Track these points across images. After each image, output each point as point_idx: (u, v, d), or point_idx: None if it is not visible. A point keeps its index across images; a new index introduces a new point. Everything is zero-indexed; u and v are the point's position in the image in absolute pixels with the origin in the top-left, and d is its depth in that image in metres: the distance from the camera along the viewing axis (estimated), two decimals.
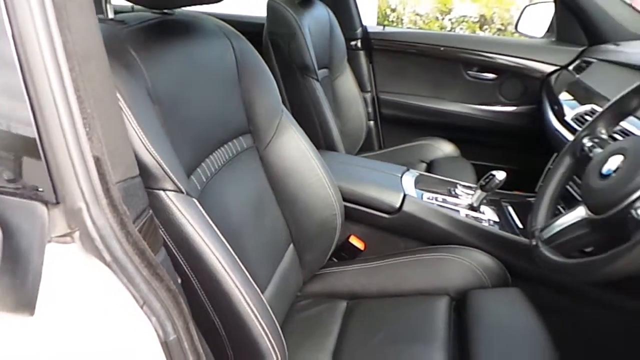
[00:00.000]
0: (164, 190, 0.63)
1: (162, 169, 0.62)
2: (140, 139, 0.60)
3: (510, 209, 1.36)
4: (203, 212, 0.68)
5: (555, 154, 1.44)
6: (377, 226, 1.27)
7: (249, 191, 0.99)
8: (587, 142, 0.90)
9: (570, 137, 1.29)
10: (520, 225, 1.28)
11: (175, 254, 0.63)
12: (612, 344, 1.16)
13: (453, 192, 1.35)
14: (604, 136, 0.90)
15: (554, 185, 0.93)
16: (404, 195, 1.25)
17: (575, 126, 1.29)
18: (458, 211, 1.25)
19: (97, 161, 0.41)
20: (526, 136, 1.86)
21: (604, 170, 0.77)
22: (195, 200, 0.68)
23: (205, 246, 0.65)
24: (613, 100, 0.90)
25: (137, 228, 0.46)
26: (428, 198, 1.29)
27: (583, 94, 1.44)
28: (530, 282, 1.13)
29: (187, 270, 0.65)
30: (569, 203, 1.17)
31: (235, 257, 0.69)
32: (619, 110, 0.89)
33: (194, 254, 0.64)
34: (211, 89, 0.90)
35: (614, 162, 0.76)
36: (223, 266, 0.66)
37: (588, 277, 0.69)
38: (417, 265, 1.16)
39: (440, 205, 1.26)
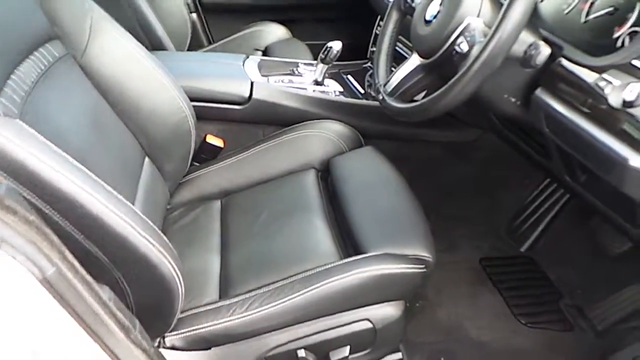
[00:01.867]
0: None
1: None
2: None
3: (350, 77, 1.44)
4: (34, 132, 0.57)
5: (379, 16, 1.53)
6: (232, 120, 1.24)
7: (79, 108, 0.85)
8: None
9: None
10: (362, 90, 1.37)
11: (17, 189, 0.53)
12: (439, 171, 1.40)
13: (296, 72, 1.36)
14: None
15: (387, 42, 0.99)
16: (252, 83, 1.22)
17: None
18: (305, 88, 1.28)
19: None
20: (351, 7, 1.92)
21: (427, 16, 0.84)
22: (19, 121, 0.56)
23: (52, 171, 0.55)
24: None
25: None
26: (275, 81, 1.28)
27: None
28: (379, 139, 1.26)
29: (39, 204, 0.55)
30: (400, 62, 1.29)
31: (91, 174, 0.61)
32: None
33: (42, 183, 0.55)
34: None
35: (434, 8, 0.84)
36: (82, 187, 0.58)
37: (429, 114, 0.79)
38: (279, 148, 1.19)
39: (288, 86, 1.26)
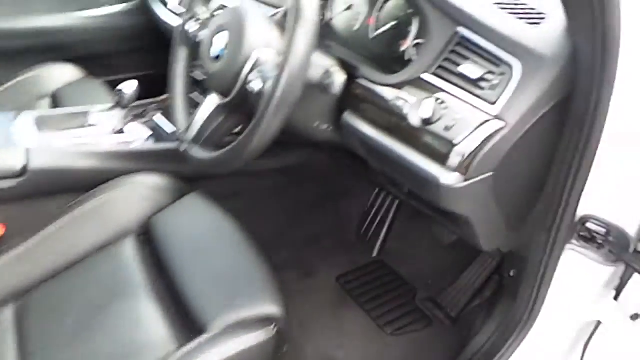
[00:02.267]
0: None
1: None
2: None
3: (157, 117, 1.27)
4: None
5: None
6: (8, 199, 0.98)
7: None
8: (191, 26, 0.85)
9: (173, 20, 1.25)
10: (173, 129, 1.22)
11: None
12: (281, 198, 1.33)
13: (89, 123, 1.14)
14: (207, 15, 0.87)
15: (180, 82, 0.87)
16: (26, 150, 0.97)
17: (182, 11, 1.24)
18: (101, 142, 1.08)
19: None
20: (146, 35, 1.73)
21: (213, 52, 0.74)
22: None
23: None
24: None
25: None
26: (61, 139, 1.05)
27: None
28: (205, 180, 1.12)
29: None
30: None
31: None
32: None
33: None
34: None
35: (221, 41, 0.74)
36: None
37: (239, 163, 0.69)
38: (83, 220, 0.97)
39: (79, 144, 1.05)
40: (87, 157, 1.02)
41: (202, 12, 0.87)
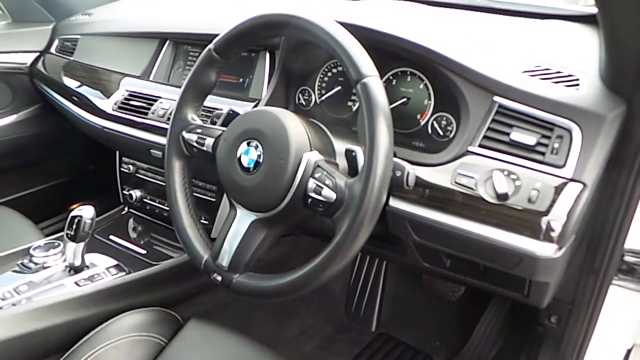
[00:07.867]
0: None
1: None
2: None
3: (115, 239, 1.07)
4: None
5: (117, 151, 1.21)
6: None
7: None
8: (189, 135, 0.73)
9: (115, 126, 1.09)
10: (143, 251, 1.04)
11: None
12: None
13: (33, 266, 0.91)
14: (198, 121, 0.76)
15: (182, 200, 0.73)
16: None
17: (122, 115, 1.08)
18: (63, 285, 0.87)
19: None
20: (63, 141, 1.50)
21: (246, 163, 0.64)
22: None
23: None
24: (188, 81, 0.75)
25: None
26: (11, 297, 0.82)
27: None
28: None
29: None
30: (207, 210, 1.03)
31: None
32: (199, 89, 0.75)
33: None
34: None
35: (250, 152, 0.65)
36: None
37: (313, 286, 0.59)
38: None
39: (28, 298, 0.82)
40: (47, 314, 0.80)
41: (194, 119, 0.75)
